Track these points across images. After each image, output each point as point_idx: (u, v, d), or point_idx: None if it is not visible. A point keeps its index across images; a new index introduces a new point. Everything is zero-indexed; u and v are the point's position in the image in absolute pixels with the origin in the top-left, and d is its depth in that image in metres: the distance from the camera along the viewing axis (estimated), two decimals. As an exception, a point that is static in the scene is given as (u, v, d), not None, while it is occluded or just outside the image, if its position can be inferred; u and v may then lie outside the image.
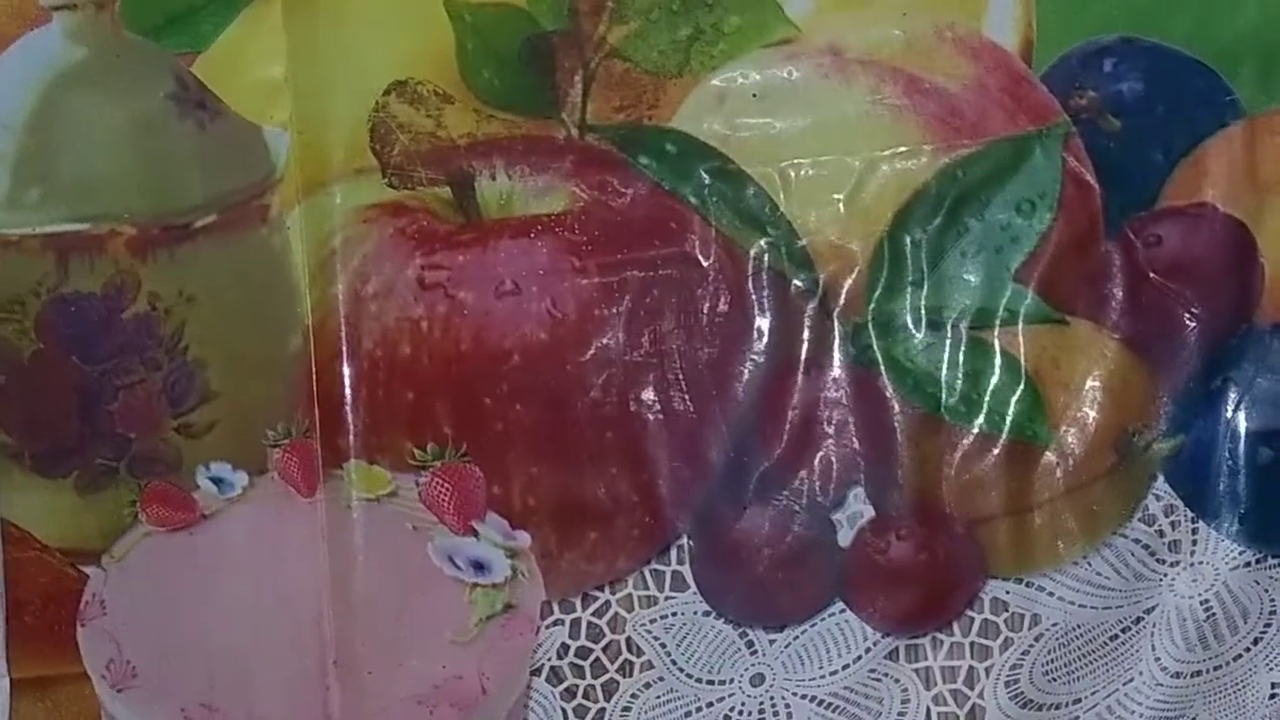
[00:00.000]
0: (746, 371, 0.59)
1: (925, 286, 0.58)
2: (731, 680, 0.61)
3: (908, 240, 0.58)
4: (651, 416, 0.59)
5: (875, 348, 0.59)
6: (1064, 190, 0.58)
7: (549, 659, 0.61)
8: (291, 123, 0.59)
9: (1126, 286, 0.59)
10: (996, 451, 0.59)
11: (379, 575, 0.59)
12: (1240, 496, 0.60)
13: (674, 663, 0.61)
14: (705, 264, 0.59)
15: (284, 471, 0.59)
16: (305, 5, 0.59)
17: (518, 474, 0.59)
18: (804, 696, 0.61)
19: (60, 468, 0.60)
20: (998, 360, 0.58)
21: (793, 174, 0.58)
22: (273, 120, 0.59)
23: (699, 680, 0.61)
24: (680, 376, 0.59)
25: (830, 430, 0.59)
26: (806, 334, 0.59)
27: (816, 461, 0.59)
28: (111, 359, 0.59)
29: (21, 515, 0.60)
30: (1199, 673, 0.61)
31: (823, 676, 0.61)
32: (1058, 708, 0.62)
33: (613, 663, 0.61)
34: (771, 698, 0.62)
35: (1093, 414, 0.59)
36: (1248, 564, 0.60)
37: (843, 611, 0.60)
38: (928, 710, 0.62)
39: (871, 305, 0.59)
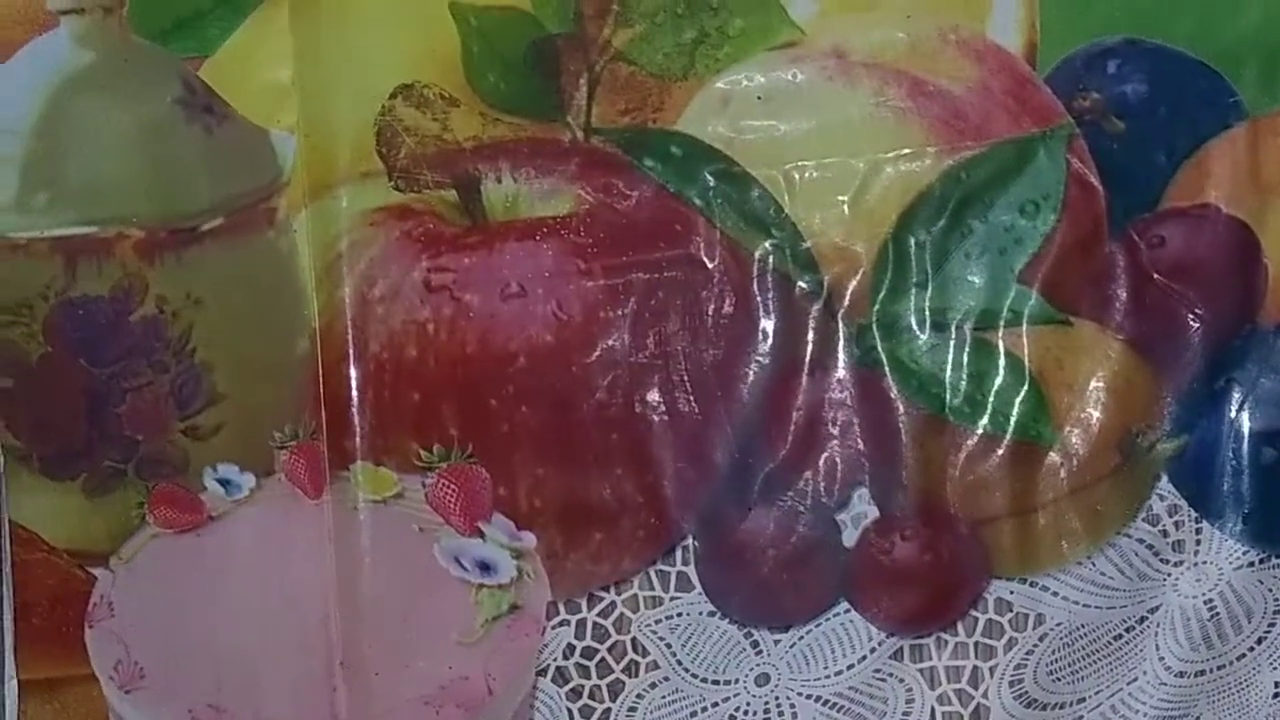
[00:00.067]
0: (751, 373, 0.59)
1: (929, 288, 0.59)
2: (737, 680, 0.62)
3: (912, 242, 0.58)
4: (657, 418, 0.59)
5: (880, 349, 0.59)
6: (1068, 191, 0.58)
7: (555, 659, 0.61)
8: (298, 126, 0.59)
9: (1130, 287, 0.59)
10: (1001, 452, 0.59)
11: (385, 576, 0.59)
12: (1244, 496, 0.60)
13: (679, 663, 0.61)
14: (710, 266, 0.59)
15: (291, 473, 0.60)
16: (311, 9, 0.59)
17: (523, 475, 0.59)
18: (809, 696, 0.62)
19: (68, 470, 0.60)
20: (1002, 361, 0.58)
21: (797, 176, 0.58)
22: (279, 124, 0.59)
23: (704, 680, 0.61)
24: (685, 378, 0.59)
25: (835, 431, 0.59)
26: (811, 335, 0.59)
27: (821, 462, 0.59)
28: (119, 362, 0.59)
29: (30, 517, 0.60)
30: (1203, 672, 0.61)
31: (828, 676, 0.61)
32: (1062, 707, 0.62)
33: (618, 663, 0.61)
34: (776, 698, 0.62)
35: (1097, 414, 0.59)
36: (1251, 564, 0.60)
37: (847, 611, 0.60)
38: (932, 710, 0.62)
39: (876, 307, 0.59)
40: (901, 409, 0.59)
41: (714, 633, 0.61)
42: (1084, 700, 0.62)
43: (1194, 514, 0.60)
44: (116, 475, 0.60)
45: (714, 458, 0.59)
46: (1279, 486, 0.60)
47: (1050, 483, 0.59)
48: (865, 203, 0.58)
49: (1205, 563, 0.61)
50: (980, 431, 0.59)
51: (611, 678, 0.61)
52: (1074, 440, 0.59)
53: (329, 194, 0.59)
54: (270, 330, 0.59)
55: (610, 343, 0.59)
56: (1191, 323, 0.59)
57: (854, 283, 0.59)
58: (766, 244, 0.58)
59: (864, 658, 0.61)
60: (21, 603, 0.61)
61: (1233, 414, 0.59)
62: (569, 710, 0.61)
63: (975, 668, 0.61)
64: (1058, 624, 0.61)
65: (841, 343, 0.59)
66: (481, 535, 0.59)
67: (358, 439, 0.59)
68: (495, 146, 0.59)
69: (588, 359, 0.58)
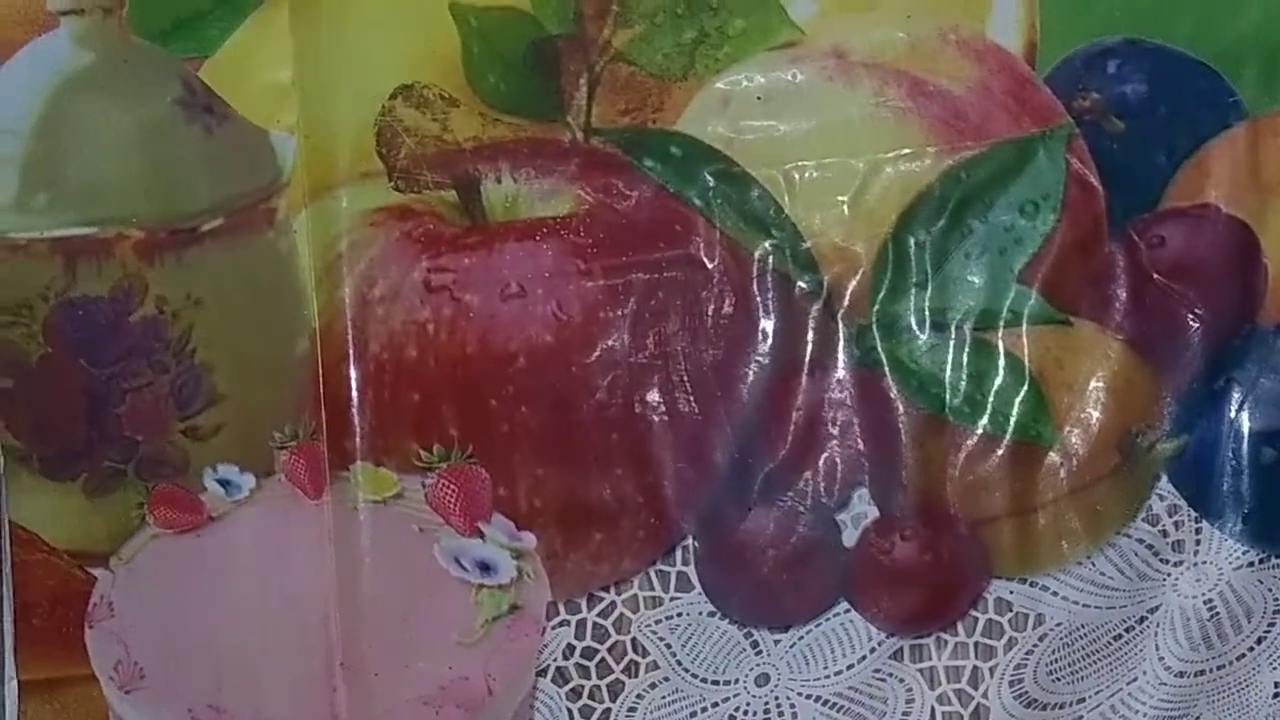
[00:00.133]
0: (751, 373, 0.59)
1: (929, 288, 0.59)
2: (737, 680, 0.62)
3: (912, 242, 0.58)
4: (656, 418, 0.59)
5: (879, 349, 0.59)
6: (1067, 192, 0.58)
7: (555, 660, 0.61)
8: (298, 127, 0.59)
9: (1130, 287, 0.59)
10: (1000, 452, 0.59)
11: (385, 577, 0.59)
12: (1244, 496, 0.60)
13: (679, 663, 0.61)
14: (710, 266, 0.59)
15: (291, 474, 0.60)
16: (311, 10, 0.59)
17: (523, 475, 0.59)
18: (809, 696, 0.62)
19: (68, 470, 0.60)
20: (1002, 361, 0.58)
21: (797, 176, 0.58)
22: (279, 124, 0.59)
23: (704, 680, 0.62)
24: (685, 378, 0.59)
25: (835, 431, 0.59)
26: (811, 335, 0.59)
27: (821, 462, 0.59)
28: (119, 362, 0.59)
29: (30, 518, 0.60)
30: (1202, 672, 0.61)
31: (827, 676, 0.61)
32: (1062, 707, 0.62)
33: (618, 663, 0.61)
34: (776, 698, 0.62)
35: (1096, 414, 0.59)
36: (1251, 564, 0.60)
37: (847, 612, 0.60)
38: (932, 710, 0.62)
39: (876, 307, 0.59)
40: (901, 409, 0.59)
41: (714, 633, 0.61)
42: (1084, 700, 0.62)
43: (1194, 514, 0.60)
44: (116, 476, 0.60)
45: (714, 458, 0.59)
46: (1279, 486, 0.60)
47: (1050, 483, 0.59)
48: (865, 203, 0.58)
49: (1205, 563, 0.61)
50: (980, 431, 0.59)
51: (611, 678, 0.61)
52: (1074, 440, 0.59)
53: (329, 194, 0.59)
54: (270, 331, 0.59)
55: (610, 343, 0.59)
56: (1191, 323, 0.59)
57: (854, 283, 0.59)
58: (766, 244, 0.58)
59: (864, 658, 0.61)
60: (22, 603, 0.61)
61: (1232, 414, 0.59)
62: (569, 710, 0.61)
63: (975, 668, 0.61)
64: (1057, 624, 0.61)
65: (841, 343, 0.59)
66: (481, 535, 0.59)
67: (358, 439, 0.59)
68: (495, 147, 0.59)
69: (588, 359, 0.58)
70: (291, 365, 0.59)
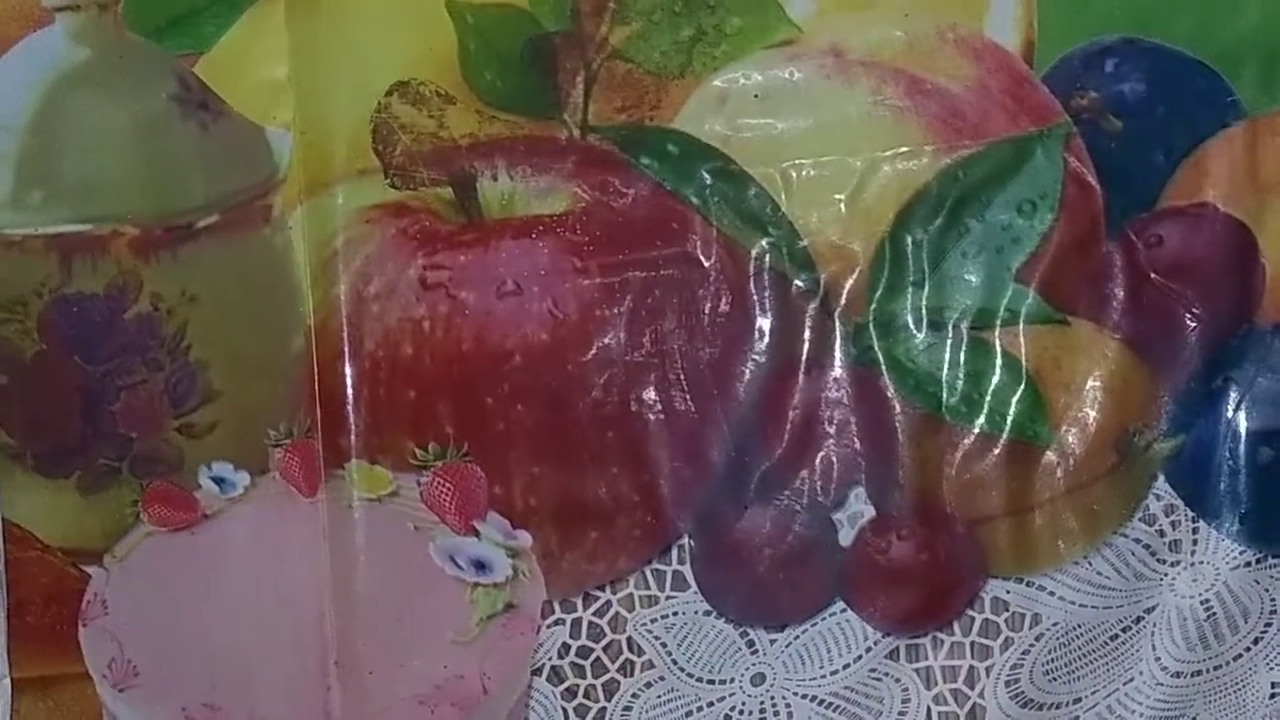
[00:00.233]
0: (748, 371, 0.59)
1: (926, 287, 0.58)
2: (732, 680, 0.61)
3: (909, 240, 0.58)
4: (653, 416, 0.59)
5: (876, 348, 0.59)
6: (1065, 191, 0.58)
7: (550, 658, 0.61)
8: (294, 123, 0.59)
9: (1128, 287, 0.59)
10: (997, 451, 0.59)
11: (380, 575, 0.59)
12: (1241, 496, 0.60)
13: (675, 662, 0.61)
14: (707, 264, 0.59)
15: (285, 471, 0.60)
16: (307, 6, 0.59)
17: (519, 474, 0.59)
18: (805, 696, 0.61)
19: (62, 468, 0.60)
20: (999, 360, 0.58)
21: (794, 174, 0.58)
22: (275, 121, 0.59)
23: (700, 680, 0.61)
24: (681, 376, 0.59)
25: (831, 430, 0.59)
26: (808, 334, 0.59)
27: (817, 461, 0.59)
28: (114, 359, 0.59)
29: (23, 515, 0.60)
30: (1199, 672, 0.61)
31: (823, 676, 0.61)
32: (1058, 707, 0.62)
33: (613, 662, 0.61)
34: (772, 697, 0.62)
35: (1093, 414, 0.59)
36: (1248, 564, 0.60)
37: (843, 611, 0.60)
38: (928, 710, 0.62)
39: (873, 305, 0.59)
40: (898, 408, 0.59)
41: (709, 632, 0.61)
42: (1080, 700, 0.62)
43: (1191, 514, 0.60)
44: (111, 473, 0.60)
45: (710, 457, 0.59)
46: (1276, 486, 0.60)
47: (1047, 482, 0.59)
48: (862, 201, 0.58)
49: (1202, 563, 0.61)
50: (977, 431, 0.58)
51: (607, 677, 0.61)
52: (1071, 440, 0.59)
53: (325, 191, 0.59)
54: (265, 328, 0.59)
55: (606, 341, 0.58)
56: (1189, 322, 0.59)
57: (851, 281, 0.58)
58: (763, 242, 0.58)
59: (860, 657, 0.61)
60: (15, 601, 0.61)
61: (1230, 413, 0.59)
62: (564, 709, 0.61)
63: (971, 667, 0.61)
64: (1054, 624, 0.61)
65: (838, 341, 0.59)
66: (477, 534, 0.59)
67: (353, 437, 0.59)
68: (491, 144, 0.59)
69: (584, 357, 0.58)
70: (287, 362, 0.59)
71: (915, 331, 0.59)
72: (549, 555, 0.60)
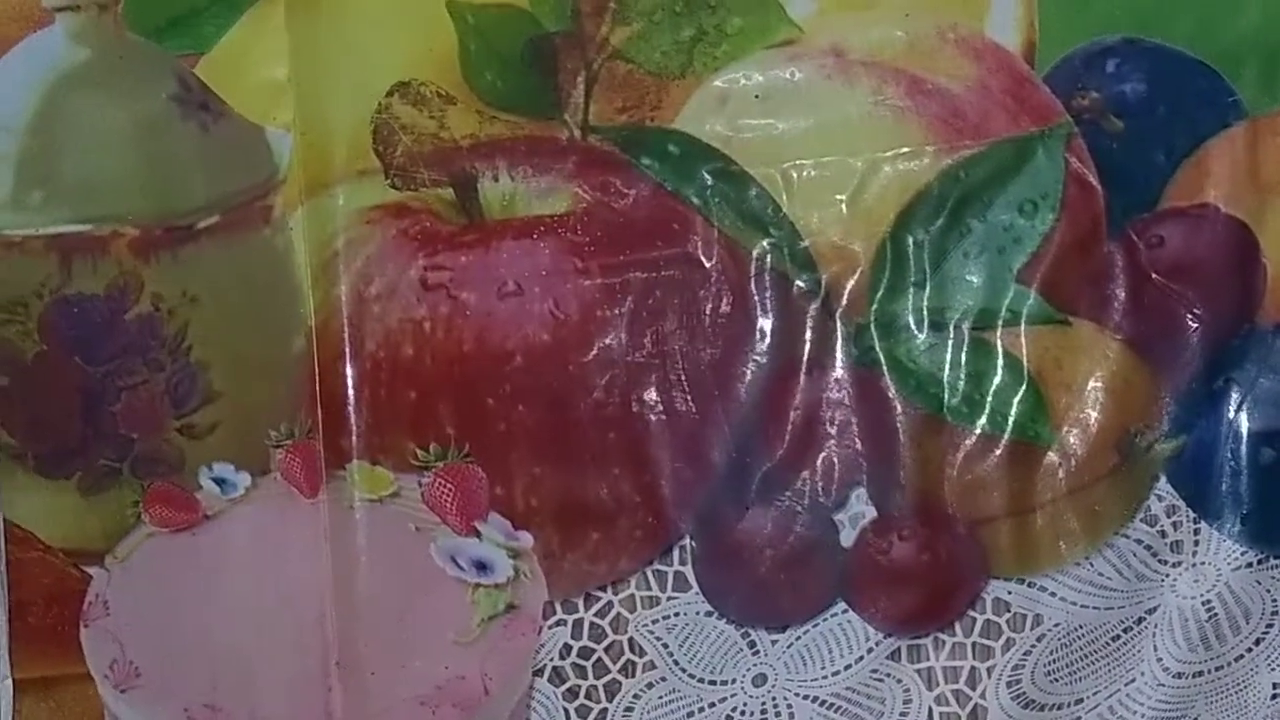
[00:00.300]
0: (749, 372, 0.59)
1: (928, 287, 0.58)
2: (734, 680, 0.61)
3: (910, 241, 0.58)
4: (654, 417, 0.59)
5: (878, 348, 0.59)
6: (1066, 191, 0.58)
7: (551, 659, 0.61)
8: (294, 124, 0.59)
9: (1129, 287, 0.59)
10: (999, 452, 0.59)
11: (381, 576, 0.59)
12: (1242, 497, 0.60)
13: (676, 663, 0.61)
14: (708, 265, 0.59)
15: (287, 472, 0.60)
16: (308, 6, 0.59)
17: (520, 474, 0.59)
18: (806, 697, 0.61)
19: (63, 469, 0.60)
20: (1000, 361, 0.58)
21: (795, 175, 0.58)
22: (275, 121, 0.59)
23: (701, 680, 0.61)
24: (683, 377, 0.59)
25: (832, 431, 0.59)
26: (809, 335, 0.59)
27: (819, 462, 0.59)
28: (114, 360, 0.59)
29: (24, 516, 0.60)
30: (1200, 673, 0.61)
31: (825, 677, 0.61)
32: (1059, 708, 0.62)
33: (615, 663, 0.61)
34: (774, 698, 0.62)
35: (1095, 414, 0.59)
36: (1249, 564, 0.60)
37: (845, 612, 0.60)
38: (930, 710, 0.62)
39: (874, 306, 0.59)
40: (899, 409, 0.59)
41: (711, 633, 0.61)
42: (1082, 701, 0.62)
43: (1192, 514, 0.60)
44: (112, 474, 0.60)
45: (711, 457, 0.59)
46: (1277, 487, 0.59)
47: (1048, 483, 0.59)
48: (863, 202, 0.58)
49: (1203, 563, 0.60)
50: (978, 431, 0.58)
51: (608, 678, 0.61)
52: (1072, 440, 0.59)
53: (325, 192, 0.59)
54: (266, 328, 0.59)
55: (607, 342, 0.58)
56: (1190, 323, 0.59)
57: (852, 282, 0.58)
58: (764, 243, 0.58)
59: (861, 658, 0.61)
60: (17, 601, 0.61)
61: (1231, 414, 0.59)
62: (565, 710, 0.61)
63: (973, 668, 0.61)
64: (1055, 624, 0.61)
65: (839, 342, 0.59)
66: (478, 535, 0.59)
67: (354, 438, 0.59)
68: (492, 144, 0.59)
69: (585, 358, 0.58)
70: (287, 363, 0.59)
71: (917, 332, 0.59)
72: (550, 556, 0.60)
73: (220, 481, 0.60)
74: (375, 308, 0.59)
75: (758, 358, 0.59)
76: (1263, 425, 0.59)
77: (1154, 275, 0.59)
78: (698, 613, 0.61)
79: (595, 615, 0.61)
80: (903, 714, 0.62)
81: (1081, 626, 0.61)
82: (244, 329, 0.59)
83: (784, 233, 0.58)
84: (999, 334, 0.58)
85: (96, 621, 0.60)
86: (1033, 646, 0.61)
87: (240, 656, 0.60)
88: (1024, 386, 0.58)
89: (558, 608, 0.61)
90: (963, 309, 0.58)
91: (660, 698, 0.61)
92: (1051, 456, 0.59)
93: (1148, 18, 0.59)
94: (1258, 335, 0.59)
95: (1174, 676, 0.61)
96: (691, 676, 0.61)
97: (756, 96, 0.59)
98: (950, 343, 0.59)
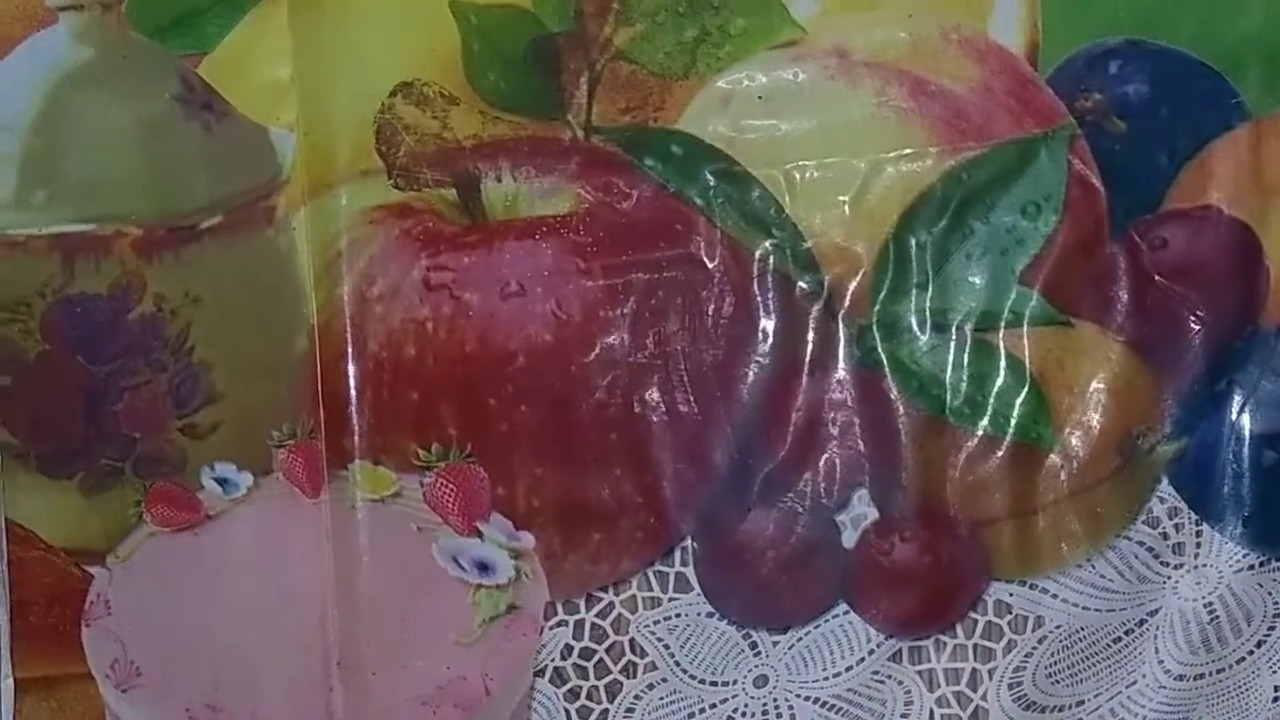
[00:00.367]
0: (751, 373, 0.59)
1: (930, 288, 0.58)
2: (735, 682, 0.61)
3: (913, 242, 0.58)
4: (656, 418, 0.59)
5: (880, 350, 0.59)
6: (1069, 192, 0.58)
7: (553, 660, 0.61)
8: (297, 124, 0.59)
9: (1131, 289, 0.59)
10: (1001, 454, 0.59)
11: (383, 576, 0.59)
12: (1244, 499, 0.60)
13: (677, 664, 0.61)
14: (710, 266, 0.59)
15: (289, 472, 0.60)
16: (311, 7, 0.59)
17: (522, 475, 0.59)
18: (807, 698, 0.61)
19: (65, 468, 0.60)
20: (1002, 362, 0.58)
21: (798, 176, 0.58)
22: (279, 121, 0.59)
23: (702, 681, 0.61)
24: (685, 378, 0.59)
25: (835, 432, 0.59)
26: (811, 336, 0.59)
27: (821, 463, 0.59)
28: (117, 360, 0.59)
29: (26, 515, 0.60)
30: (1202, 675, 0.61)
31: (826, 678, 0.61)
32: (1061, 710, 0.62)
33: (616, 664, 0.61)
34: (775, 699, 0.62)
35: (1097, 416, 0.59)
36: (1251, 567, 0.60)
37: (846, 613, 0.60)
38: (931, 712, 0.62)
39: (876, 307, 0.59)
40: (901, 410, 0.59)
41: (712, 634, 0.61)
42: (1083, 703, 0.62)
43: (1194, 517, 0.60)
44: (114, 473, 0.60)
45: (713, 458, 0.59)
46: (1279, 489, 0.59)
47: (1050, 485, 0.59)
48: (866, 203, 0.58)
49: (1205, 566, 0.60)
50: (980, 433, 0.58)
51: (609, 679, 0.61)
52: (1074, 442, 0.59)
53: (328, 192, 0.59)
54: (269, 329, 0.59)
55: (610, 342, 0.58)
56: (1193, 325, 0.59)
57: (854, 283, 0.58)
58: (767, 244, 0.58)
59: (863, 659, 0.61)
60: (18, 601, 0.61)
61: (1234, 416, 0.59)
62: (566, 711, 0.61)
63: (974, 670, 0.61)
64: (1057, 626, 0.61)
65: (842, 343, 0.59)
66: (480, 535, 0.59)
67: (356, 438, 0.59)
68: (495, 145, 0.59)
69: (587, 358, 0.58)
70: (290, 363, 0.59)
71: (919, 333, 0.59)
72: (552, 556, 0.60)
73: (222, 481, 0.60)
74: (378, 308, 0.59)
75: (760, 359, 0.59)
76: (1265, 427, 0.59)
77: (1157, 277, 0.59)
78: (699, 614, 0.61)
79: (597, 616, 0.61)
80: (904, 715, 0.62)
81: (1083, 628, 0.61)
82: (247, 329, 0.59)
83: (787, 234, 0.58)
84: (1001, 335, 0.58)
85: (98, 621, 0.60)
86: (1034, 648, 0.61)
87: (242, 656, 0.60)
88: (1026, 388, 0.58)
89: (559, 608, 0.61)
90: (965, 310, 0.58)
91: (661, 699, 0.61)
92: (1053, 458, 0.59)
93: (1151, 19, 0.59)
94: (1260, 337, 0.59)
95: (1175, 679, 0.61)
96: (693, 677, 0.61)
97: (759, 97, 0.59)
98: (953, 344, 0.59)
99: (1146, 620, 0.61)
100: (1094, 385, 0.59)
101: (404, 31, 0.59)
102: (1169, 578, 0.61)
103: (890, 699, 0.62)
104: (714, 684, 0.61)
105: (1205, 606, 0.61)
